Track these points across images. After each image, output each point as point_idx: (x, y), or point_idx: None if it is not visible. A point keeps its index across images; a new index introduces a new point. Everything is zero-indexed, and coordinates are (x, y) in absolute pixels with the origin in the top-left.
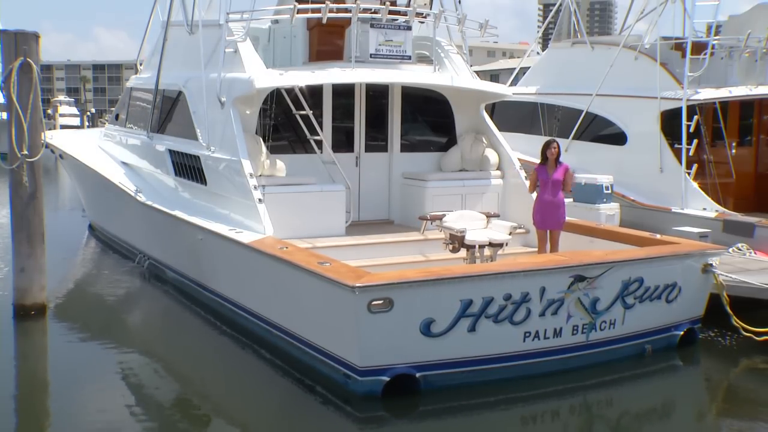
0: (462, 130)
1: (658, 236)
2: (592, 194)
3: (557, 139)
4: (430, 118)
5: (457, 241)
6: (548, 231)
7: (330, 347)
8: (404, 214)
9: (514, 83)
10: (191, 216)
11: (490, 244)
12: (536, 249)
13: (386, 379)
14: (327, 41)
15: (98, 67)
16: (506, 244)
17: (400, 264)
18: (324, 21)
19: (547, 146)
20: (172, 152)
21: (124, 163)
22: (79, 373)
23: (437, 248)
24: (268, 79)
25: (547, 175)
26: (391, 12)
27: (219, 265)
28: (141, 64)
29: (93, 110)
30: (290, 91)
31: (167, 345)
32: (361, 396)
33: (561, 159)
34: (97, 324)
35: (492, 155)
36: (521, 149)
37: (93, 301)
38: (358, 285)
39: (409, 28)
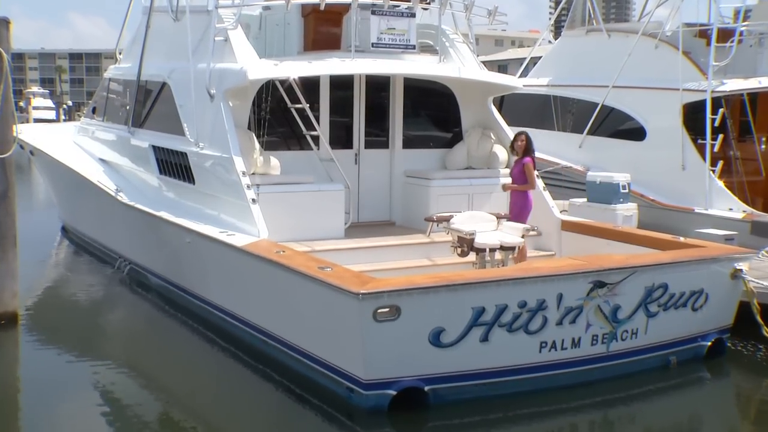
0: (468, 125)
1: (682, 239)
2: (608, 194)
3: (526, 130)
4: (434, 112)
5: (466, 245)
6: None
7: (332, 359)
8: (407, 215)
9: (524, 74)
10: (178, 217)
11: (502, 248)
12: (552, 252)
13: (393, 392)
14: (324, 29)
15: (75, 56)
16: (519, 248)
17: (405, 269)
18: (322, 7)
19: (514, 139)
20: (156, 148)
21: (102, 161)
22: (54, 388)
23: (444, 252)
24: (262, 69)
25: (513, 169)
26: None
27: (209, 271)
28: (120, 53)
29: (70, 103)
30: (284, 82)
31: (151, 357)
32: (365, 411)
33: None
34: (73, 334)
35: (501, 152)
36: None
37: (69, 309)
38: (362, 291)
39: (413, 15)
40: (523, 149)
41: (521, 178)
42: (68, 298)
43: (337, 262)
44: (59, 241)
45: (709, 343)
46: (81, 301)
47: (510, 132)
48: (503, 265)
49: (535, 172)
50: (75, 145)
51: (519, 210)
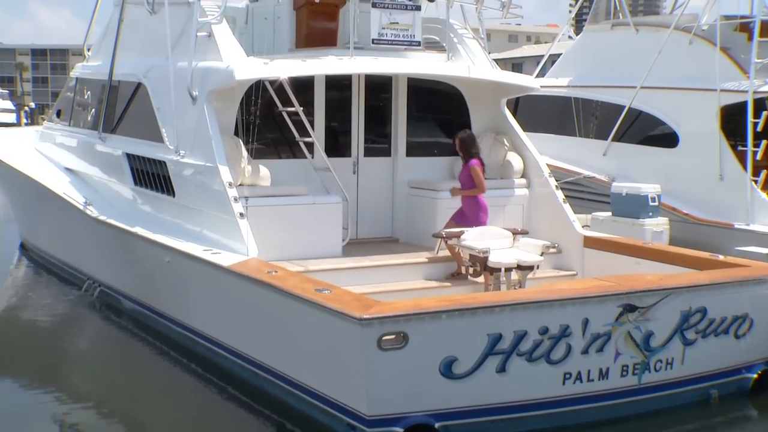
0: (479, 129)
1: (721, 257)
2: (636, 206)
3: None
4: (441, 116)
5: (478, 263)
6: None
7: (331, 392)
8: (411, 231)
9: (541, 74)
10: (155, 234)
11: (519, 267)
12: (573, 272)
13: (400, 430)
14: (318, 24)
15: (38, 52)
16: (537, 267)
17: (410, 291)
18: None
19: (454, 141)
20: (130, 157)
21: (68, 170)
22: (9, 424)
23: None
24: (251, 69)
25: (460, 173)
26: None
27: (190, 293)
28: (89, 50)
29: (33, 104)
30: (274, 83)
31: (124, 390)
32: None
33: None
34: (34, 363)
35: (515, 160)
36: (550, 153)
37: (29, 335)
38: (366, 317)
39: (418, 8)
40: (463, 151)
41: (469, 182)
42: (28, 323)
43: (334, 284)
44: (17, 260)
45: (755, 376)
46: (43, 327)
47: (526, 138)
48: (521, 287)
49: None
50: (37, 153)
51: (475, 215)
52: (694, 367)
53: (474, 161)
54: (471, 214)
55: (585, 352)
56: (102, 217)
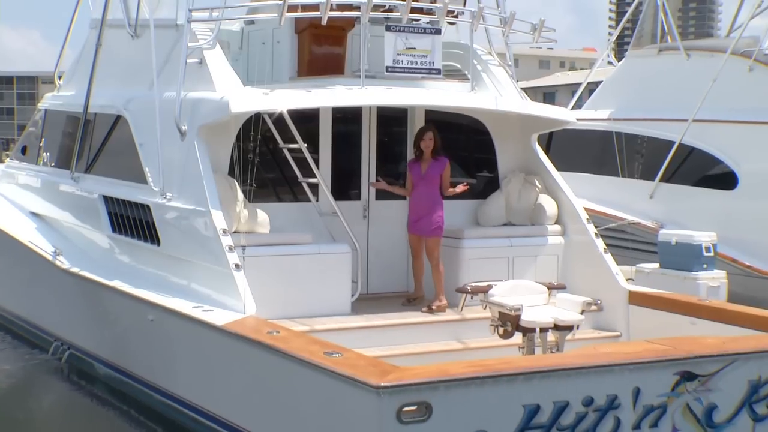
0: (507, 169)
1: None
2: (688, 258)
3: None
4: (463, 154)
5: (510, 323)
6: (423, 238)
7: None
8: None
9: (577, 105)
10: (137, 288)
11: (556, 327)
12: (617, 333)
13: None
14: (322, 49)
15: (3, 80)
16: (578, 327)
17: (431, 354)
18: (324, 21)
19: (420, 136)
20: (108, 200)
21: (35, 215)
22: None
23: (481, 332)
24: (249, 100)
25: (420, 170)
26: (413, 10)
27: (177, 357)
28: (61, 78)
29: None
30: (272, 115)
31: None
32: None
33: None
34: None
35: (548, 204)
36: (589, 195)
37: None
38: (384, 384)
39: (438, 32)
40: (434, 148)
41: (436, 181)
42: None
43: (344, 345)
44: None
45: None
46: (0, 396)
47: (560, 178)
48: (559, 350)
49: None
50: None
51: (434, 215)
52: None
53: (447, 160)
54: (431, 205)
55: (637, 427)
56: (74, 269)
